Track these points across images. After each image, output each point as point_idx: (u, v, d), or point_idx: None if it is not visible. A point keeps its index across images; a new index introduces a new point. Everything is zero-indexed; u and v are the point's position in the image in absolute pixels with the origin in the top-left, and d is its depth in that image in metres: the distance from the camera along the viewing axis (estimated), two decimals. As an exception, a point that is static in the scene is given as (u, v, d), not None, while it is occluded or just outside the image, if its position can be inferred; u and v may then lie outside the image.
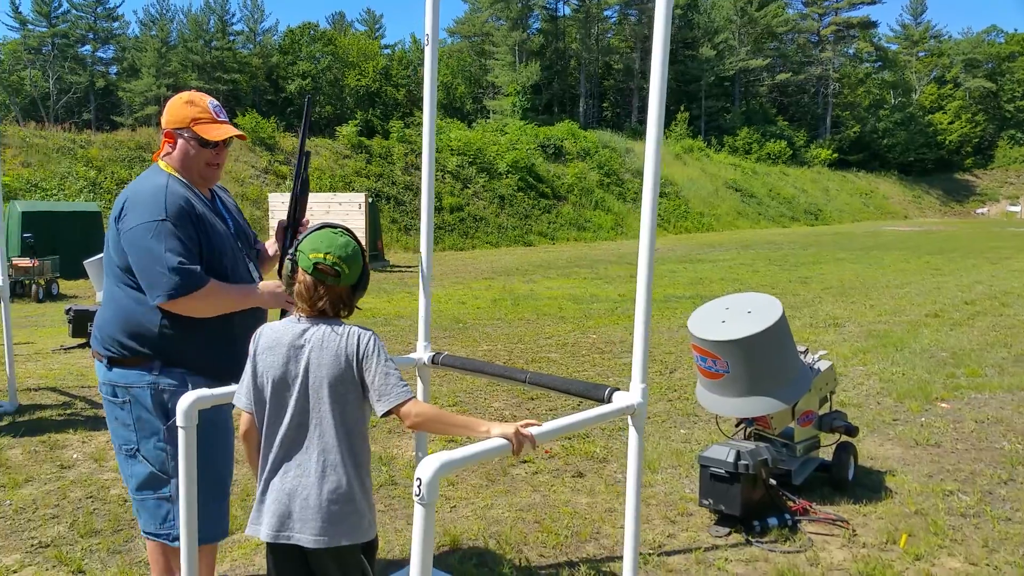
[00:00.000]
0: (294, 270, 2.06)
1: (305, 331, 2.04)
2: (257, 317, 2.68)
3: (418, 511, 1.74)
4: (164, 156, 2.66)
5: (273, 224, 3.06)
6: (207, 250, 2.54)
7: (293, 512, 2.00)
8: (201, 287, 2.46)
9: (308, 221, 2.74)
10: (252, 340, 2.12)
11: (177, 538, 2.59)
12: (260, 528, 2.05)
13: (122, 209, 2.53)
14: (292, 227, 2.73)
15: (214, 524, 2.65)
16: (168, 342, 2.53)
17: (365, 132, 32.91)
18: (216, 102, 2.70)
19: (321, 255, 2.01)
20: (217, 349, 2.60)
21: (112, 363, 2.58)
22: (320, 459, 2.01)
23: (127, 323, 2.55)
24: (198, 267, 2.47)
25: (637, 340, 2.40)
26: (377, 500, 3.99)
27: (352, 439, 2.04)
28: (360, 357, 2.00)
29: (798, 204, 48.37)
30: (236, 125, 2.87)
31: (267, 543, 2.07)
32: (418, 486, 1.72)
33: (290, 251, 2.08)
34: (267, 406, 2.06)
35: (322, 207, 18.03)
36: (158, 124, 37.22)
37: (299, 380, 2.02)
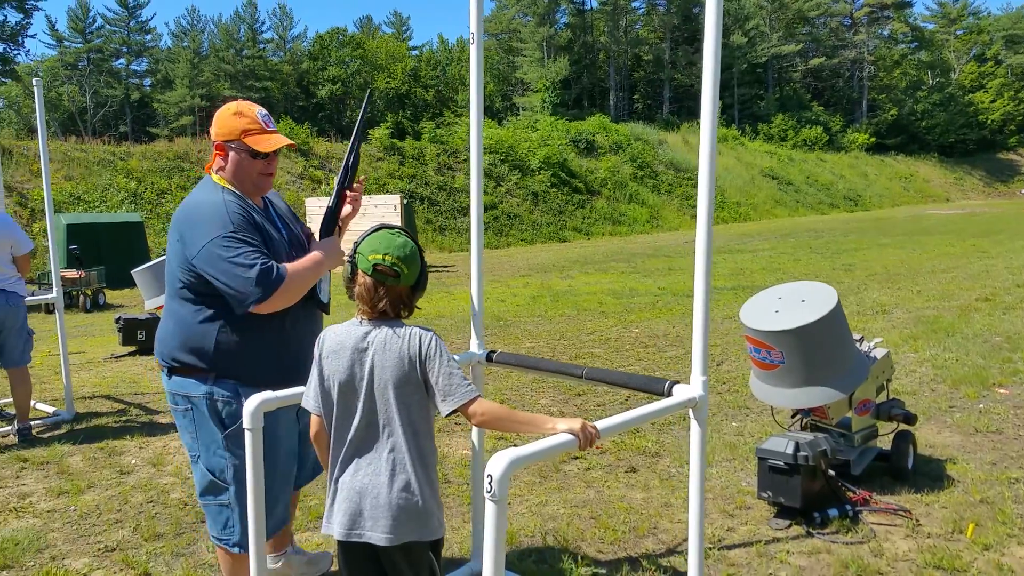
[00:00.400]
0: (354, 272, 2.08)
1: (368, 334, 2.06)
2: (311, 326, 2.74)
3: (489, 507, 1.73)
4: (217, 170, 2.69)
5: (312, 227, 3.22)
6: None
7: (364, 511, 2.03)
8: (283, 282, 2.50)
9: (361, 181, 2.84)
10: (316, 344, 2.14)
11: (237, 544, 2.65)
12: (332, 527, 2.08)
13: (182, 228, 2.57)
14: (339, 190, 2.80)
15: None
16: (222, 355, 2.58)
17: (396, 134, 33.08)
18: (264, 111, 2.71)
19: (380, 256, 2.03)
20: (270, 361, 2.64)
21: (172, 372, 2.65)
22: (390, 458, 2.04)
23: (185, 336, 2.60)
24: (274, 263, 2.51)
25: (696, 332, 2.37)
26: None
27: (419, 439, 2.06)
28: (423, 358, 2.02)
29: (836, 190, 47.57)
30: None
31: (339, 541, 2.09)
32: (489, 483, 1.72)
33: (348, 254, 2.11)
34: (335, 408, 2.08)
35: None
36: (194, 134, 37.87)
37: (365, 383, 2.04)
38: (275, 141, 2.65)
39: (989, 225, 26.29)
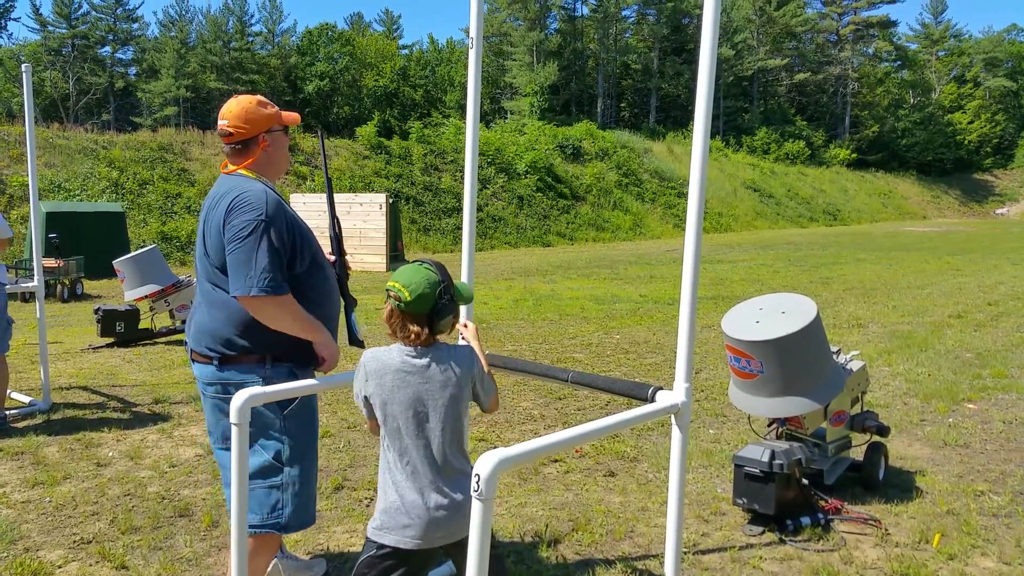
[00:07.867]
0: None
1: (409, 357, 2.22)
2: (336, 322, 2.85)
3: (475, 506, 1.76)
4: (251, 166, 2.75)
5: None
6: (300, 246, 2.67)
7: (440, 518, 2.20)
8: (281, 295, 2.58)
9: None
10: (360, 365, 2.27)
11: (286, 526, 2.71)
12: (396, 535, 2.20)
13: (224, 214, 2.61)
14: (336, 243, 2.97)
15: (309, 510, 2.79)
16: (276, 340, 2.65)
17: (383, 132, 32.98)
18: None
19: (393, 283, 2.22)
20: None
21: (224, 362, 2.67)
22: (441, 465, 2.22)
23: (241, 324, 2.64)
24: (280, 275, 2.58)
25: (681, 339, 2.42)
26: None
27: (464, 444, 2.30)
28: (468, 373, 2.26)
29: (816, 204, 48.06)
30: None
31: (403, 550, 2.20)
32: (476, 482, 1.75)
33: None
34: (386, 423, 2.24)
35: (343, 208, 18.10)
36: (178, 125, 37.47)
37: (411, 400, 2.21)
38: (294, 115, 2.86)
39: (963, 244, 26.69)
